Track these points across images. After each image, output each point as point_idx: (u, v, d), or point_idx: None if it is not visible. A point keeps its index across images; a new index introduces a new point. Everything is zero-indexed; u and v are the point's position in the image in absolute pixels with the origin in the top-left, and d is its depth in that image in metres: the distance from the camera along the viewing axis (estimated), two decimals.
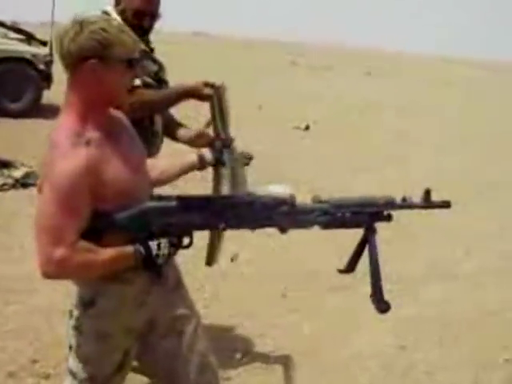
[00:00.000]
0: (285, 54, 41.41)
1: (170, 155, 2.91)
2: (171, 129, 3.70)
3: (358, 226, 2.60)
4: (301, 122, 14.91)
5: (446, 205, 2.70)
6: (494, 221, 8.06)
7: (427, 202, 2.65)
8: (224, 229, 2.51)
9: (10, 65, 13.37)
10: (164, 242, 2.39)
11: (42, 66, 13.53)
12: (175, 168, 2.84)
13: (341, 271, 2.72)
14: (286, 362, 4.37)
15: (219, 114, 3.02)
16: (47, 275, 2.26)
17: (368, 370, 4.37)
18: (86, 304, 2.43)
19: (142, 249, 2.35)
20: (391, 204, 2.61)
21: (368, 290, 2.62)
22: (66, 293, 4.82)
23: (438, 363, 4.51)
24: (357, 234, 2.62)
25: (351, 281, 3.57)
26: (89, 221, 2.26)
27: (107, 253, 2.29)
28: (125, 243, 2.33)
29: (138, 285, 2.43)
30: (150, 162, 2.67)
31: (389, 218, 2.61)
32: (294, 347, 4.56)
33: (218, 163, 2.91)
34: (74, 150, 2.20)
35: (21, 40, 14.25)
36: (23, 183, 8.07)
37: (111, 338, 2.46)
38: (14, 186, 8.03)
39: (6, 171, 8.54)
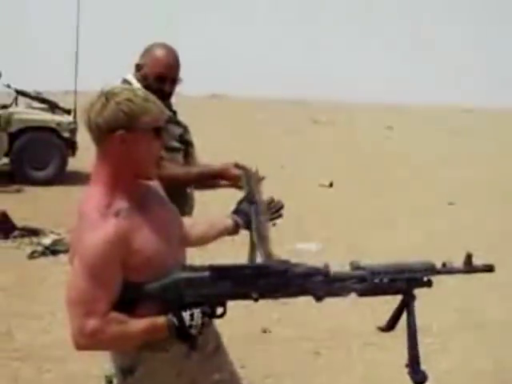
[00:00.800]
0: (305, 113, 41.63)
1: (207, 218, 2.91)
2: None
3: (395, 292, 2.54)
4: (324, 180, 14.93)
5: (488, 269, 2.64)
6: None
7: (469, 267, 2.60)
8: (257, 299, 2.44)
9: (36, 134, 13.65)
10: (197, 312, 2.33)
11: (66, 134, 13.81)
12: (214, 231, 2.84)
13: (382, 329, 2.67)
14: None
15: (249, 191, 2.99)
16: (80, 347, 2.25)
17: None
18: (125, 372, 2.41)
19: (174, 319, 2.30)
20: (430, 269, 2.55)
21: (400, 346, 2.59)
22: (102, 358, 4.82)
23: None
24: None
25: (384, 337, 3.51)
26: (120, 292, 2.25)
27: (139, 324, 2.27)
28: (157, 314, 2.30)
29: (175, 352, 2.40)
30: (189, 221, 2.69)
31: (429, 283, 2.55)
32: None
33: (248, 226, 2.89)
34: (102, 221, 2.21)
35: (44, 109, 14.50)
36: (53, 250, 8.11)
37: None
38: (43, 254, 8.06)
39: (35, 239, 8.65)
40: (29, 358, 5.05)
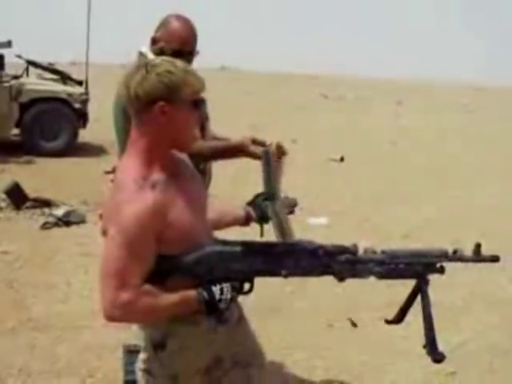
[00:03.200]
0: (315, 88, 41.48)
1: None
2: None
3: (412, 276, 2.60)
4: (335, 154, 14.93)
5: (495, 259, 2.68)
6: None
7: (477, 256, 2.64)
8: (285, 275, 2.49)
9: (47, 104, 13.61)
10: (226, 286, 2.37)
11: (77, 105, 13.76)
12: (224, 220, 2.86)
13: (389, 322, 2.77)
14: None
15: (267, 173, 2.97)
16: (111, 318, 2.28)
17: None
18: (157, 346, 2.43)
19: (205, 293, 2.33)
20: (444, 256, 2.61)
21: (412, 319, 2.68)
22: (117, 329, 4.88)
23: None
24: None
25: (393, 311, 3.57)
26: (153, 264, 2.27)
27: (171, 297, 2.29)
28: (188, 287, 2.33)
29: (204, 326, 2.42)
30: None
31: (442, 269, 2.61)
32: (342, 375, 4.60)
33: (261, 221, 2.93)
34: (140, 193, 2.22)
35: (56, 80, 14.49)
36: (66, 221, 8.14)
37: (182, 378, 2.46)
38: (56, 225, 8.09)
39: (47, 210, 8.68)
40: (45, 328, 5.11)
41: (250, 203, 2.95)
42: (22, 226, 8.15)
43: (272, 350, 4.83)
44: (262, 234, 2.93)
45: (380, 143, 17.84)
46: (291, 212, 3.09)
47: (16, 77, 13.91)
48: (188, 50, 3.59)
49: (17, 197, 8.88)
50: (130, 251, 2.20)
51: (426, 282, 2.59)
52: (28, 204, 8.88)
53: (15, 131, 13.87)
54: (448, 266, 2.59)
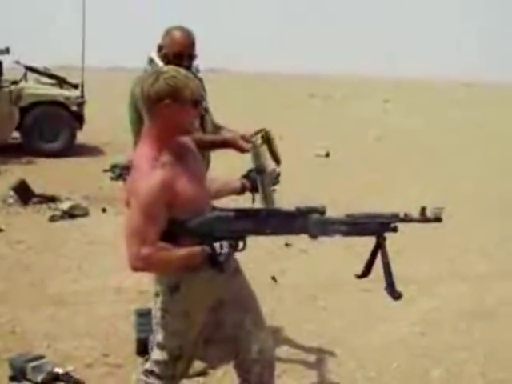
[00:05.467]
0: (301, 87, 42.12)
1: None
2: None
3: (370, 233, 3.20)
4: (321, 150, 15.58)
5: (438, 219, 3.22)
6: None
7: (423, 217, 3.21)
8: (269, 234, 3.16)
9: (45, 108, 14.28)
10: (225, 243, 3.04)
11: (74, 108, 14.43)
12: (225, 190, 3.55)
13: (358, 276, 3.33)
14: (319, 348, 5.05)
15: (256, 156, 3.65)
16: (135, 269, 2.96)
17: (392, 351, 5.05)
18: (172, 289, 3.10)
19: (208, 249, 3.00)
20: (395, 217, 3.20)
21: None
22: (126, 301, 5.58)
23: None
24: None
25: (374, 284, 4.17)
26: (166, 226, 2.94)
27: (181, 251, 2.97)
28: (194, 245, 3.00)
29: (209, 273, 3.06)
30: (209, 178, 3.38)
31: (395, 229, 3.20)
32: (326, 337, 5.25)
33: (253, 190, 3.60)
34: (152, 171, 2.90)
35: (53, 84, 15.10)
36: (71, 214, 8.82)
37: (192, 314, 3.15)
38: (62, 217, 8.77)
39: (52, 205, 9.36)
40: (62, 303, 5.75)
41: (245, 176, 3.63)
42: (31, 218, 8.83)
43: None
44: (253, 201, 3.62)
45: (365, 139, 18.47)
46: (277, 182, 3.75)
47: (15, 82, 14.52)
48: (187, 53, 4.24)
49: (24, 193, 9.56)
50: (146, 216, 2.87)
51: (384, 239, 3.19)
52: (34, 199, 9.57)
53: (15, 134, 14.52)
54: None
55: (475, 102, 35.07)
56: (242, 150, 3.98)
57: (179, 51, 4.22)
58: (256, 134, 3.90)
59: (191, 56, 4.29)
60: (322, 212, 3.17)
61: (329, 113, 26.96)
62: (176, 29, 4.32)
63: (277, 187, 3.72)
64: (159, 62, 4.24)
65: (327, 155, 15.51)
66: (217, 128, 4.48)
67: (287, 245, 7.49)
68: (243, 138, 4.00)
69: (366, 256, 3.26)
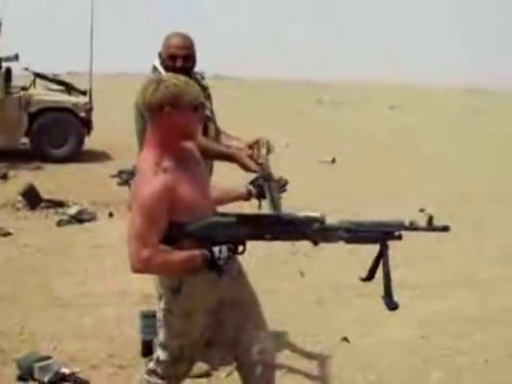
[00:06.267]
0: (310, 93, 42.13)
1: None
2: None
3: (373, 241, 3.22)
4: (327, 156, 15.65)
5: (445, 229, 3.24)
6: None
7: (430, 226, 3.21)
8: (269, 239, 3.21)
9: (54, 114, 14.39)
10: (224, 248, 3.11)
11: (82, 114, 14.53)
12: (229, 196, 3.63)
13: (362, 279, 3.35)
14: (321, 351, 5.13)
15: (263, 175, 3.75)
16: (136, 271, 3.04)
17: (393, 354, 5.12)
18: (174, 291, 3.18)
19: (207, 253, 3.07)
20: (400, 225, 3.22)
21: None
22: (131, 304, 5.67)
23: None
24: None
25: (374, 289, 4.20)
26: (167, 230, 3.01)
27: (181, 254, 3.04)
28: (193, 248, 3.06)
29: (210, 276, 3.14)
30: (211, 185, 3.45)
31: (399, 237, 3.22)
32: (327, 340, 5.33)
33: (260, 197, 3.68)
34: (154, 176, 2.98)
35: (61, 90, 15.23)
36: (78, 219, 8.93)
37: (194, 315, 3.22)
38: (69, 222, 8.88)
39: (60, 210, 9.47)
40: (68, 306, 5.86)
41: (251, 182, 3.70)
42: (39, 223, 8.94)
43: (267, 320, 5.61)
44: (259, 207, 3.69)
45: (371, 145, 18.45)
46: (284, 190, 3.85)
47: (24, 88, 14.65)
48: (181, 55, 4.28)
49: (32, 198, 9.69)
50: (148, 219, 2.95)
51: (386, 247, 3.20)
52: (42, 204, 9.70)
53: (24, 140, 14.64)
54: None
55: (484, 109, 34.83)
56: (247, 169, 4.04)
57: (172, 53, 4.28)
58: (256, 142, 3.99)
59: (186, 58, 4.30)
60: (322, 222, 3.21)
61: (336, 119, 26.92)
62: (172, 34, 4.40)
63: (284, 195, 3.81)
64: (161, 70, 4.33)
65: (333, 161, 15.52)
66: (219, 134, 4.56)
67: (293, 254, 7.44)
68: (250, 157, 4.04)
69: (370, 261, 3.29)
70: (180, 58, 4.28)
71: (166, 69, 4.26)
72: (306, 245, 3.36)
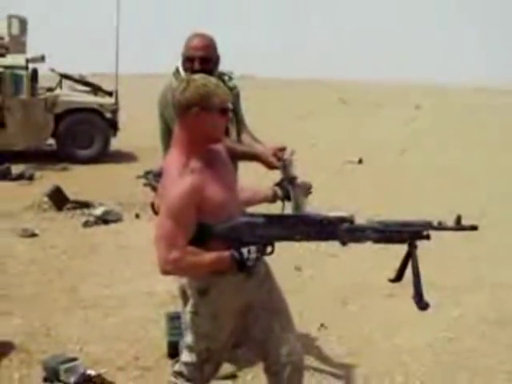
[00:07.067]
0: (332, 93, 42.08)
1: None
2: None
3: (401, 241, 3.21)
4: (353, 157, 15.59)
5: (474, 228, 3.23)
6: None
7: (458, 225, 3.20)
8: (299, 240, 3.20)
9: (80, 115, 14.51)
10: (253, 249, 3.09)
11: (108, 115, 14.64)
12: (256, 198, 3.60)
13: (391, 280, 3.35)
14: (347, 352, 5.11)
15: (287, 178, 3.72)
16: (165, 272, 3.03)
17: (419, 355, 5.07)
18: (202, 293, 3.17)
19: (236, 254, 3.05)
20: (428, 225, 3.21)
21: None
22: (156, 305, 5.67)
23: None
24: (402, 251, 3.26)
25: (402, 290, 4.16)
26: (195, 231, 3.00)
27: (209, 256, 3.02)
28: (222, 249, 3.05)
29: (238, 277, 3.13)
30: (239, 187, 3.43)
31: (427, 237, 3.20)
32: (354, 341, 5.31)
33: (285, 199, 3.66)
34: (181, 177, 2.97)
35: (87, 91, 15.33)
36: (104, 220, 8.96)
37: (221, 317, 3.20)
38: (95, 223, 8.91)
39: (86, 210, 9.52)
40: (94, 307, 5.87)
41: (277, 184, 3.69)
42: (65, 224, 8.99)
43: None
44: (283, 209, 3.65)
45: (395, 146, 18.36)
46: (309, 193, 3.80)
47: (50, 89, 14.80)
48: (198, 57, 4.20)
49: (58, 199, 9.75)
50: (176, 221, 2.94)
51: (415, 247, 3.19)
52: (68, 205, 9.77)
53: (50, 141, 14.76)
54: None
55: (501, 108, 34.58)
56: (271, 167, 4.04)
57: (190, 55, 4.24)
58: (281, 150, 3.99)
59: (204, 59, 4.22)
60: (351, 222, 3.20)
61: (360, 119, 26.84)
62: (192, 34, 4.35)
63: (308, 198, 3.77)
64: (182, 72, 4.30)
65: (360, 162, 15.45)
66: (246, 132, 4.56)
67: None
68: (274, 155, 4.04)
69: (397, 261, 3.28)
70: (197, 59, 4.21)
71: (186, 70, 4.23)
72: (330, 245, 3.32)
